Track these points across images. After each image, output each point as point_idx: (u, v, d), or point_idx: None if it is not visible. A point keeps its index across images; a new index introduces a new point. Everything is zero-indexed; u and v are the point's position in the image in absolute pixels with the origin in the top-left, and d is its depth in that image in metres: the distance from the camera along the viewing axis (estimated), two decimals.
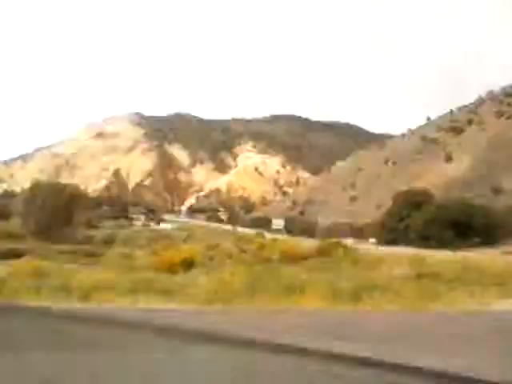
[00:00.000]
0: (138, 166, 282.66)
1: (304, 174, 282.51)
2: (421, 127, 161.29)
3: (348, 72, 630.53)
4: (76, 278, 11.07)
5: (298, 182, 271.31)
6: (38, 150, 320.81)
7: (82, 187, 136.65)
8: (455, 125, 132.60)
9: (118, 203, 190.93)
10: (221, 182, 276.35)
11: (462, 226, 47.87)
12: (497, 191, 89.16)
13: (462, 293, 11.68)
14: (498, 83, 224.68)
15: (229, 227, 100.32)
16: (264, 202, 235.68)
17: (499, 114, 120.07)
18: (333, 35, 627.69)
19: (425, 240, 49.46)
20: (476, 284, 13.15)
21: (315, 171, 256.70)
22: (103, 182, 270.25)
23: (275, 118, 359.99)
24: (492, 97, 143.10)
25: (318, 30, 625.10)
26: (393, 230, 59.80)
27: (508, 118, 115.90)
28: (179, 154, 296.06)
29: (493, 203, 75.25)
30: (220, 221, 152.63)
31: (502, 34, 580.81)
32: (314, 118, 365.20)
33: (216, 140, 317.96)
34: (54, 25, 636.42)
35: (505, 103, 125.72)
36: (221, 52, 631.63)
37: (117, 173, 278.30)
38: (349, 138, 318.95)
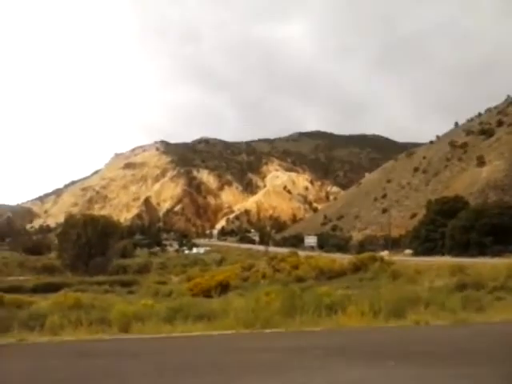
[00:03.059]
0: (167, 193, 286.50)
1: (333, 189, 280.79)
2: (449, 133, 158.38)
3: (370, 82, 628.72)
4: (115, 310, 11.06)
5: (327, 198, 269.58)
6: (69, 184, 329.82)
7: (114, 217, 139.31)
8: (485, 127, 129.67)
9: (150, 231, 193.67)
10: (250, 202, 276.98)
11: (501, 230, 46.39)
12: None
13: None
14: None
15: (261, 247, 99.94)
16: (295, 219, 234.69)
17: None
18: (354, 47, 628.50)
19: (463, 248, 48.16)
20: None
21: (344, 185, 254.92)
22: (134, 211, 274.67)
23: (300, 136, 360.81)
24: None
25: (339, 42, 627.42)
26: (429, 240, 58.50)
27: None
28: (207, 178, 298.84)
29: None
30: (252, 242, 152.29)
31: None
32: (338, 132, 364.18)
33: (242, 161, 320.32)
34: (83, 60, 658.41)
35: None
36: (239, 74, 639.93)
37: (147, 201, 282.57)
38: (376, 150, 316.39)
